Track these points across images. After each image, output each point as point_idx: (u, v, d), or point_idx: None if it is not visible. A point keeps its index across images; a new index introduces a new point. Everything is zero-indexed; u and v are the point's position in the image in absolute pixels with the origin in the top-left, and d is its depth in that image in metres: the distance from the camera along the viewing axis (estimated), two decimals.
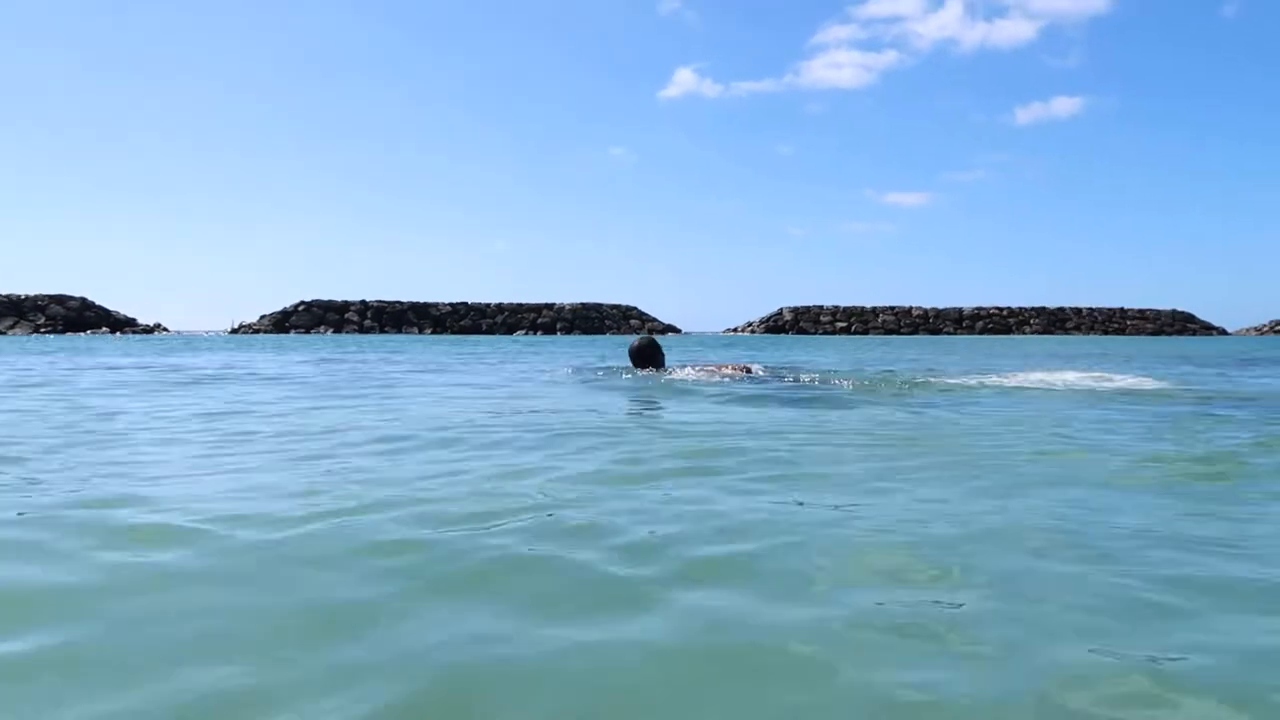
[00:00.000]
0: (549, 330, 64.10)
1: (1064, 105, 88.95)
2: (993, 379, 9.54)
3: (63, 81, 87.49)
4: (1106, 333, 72.68)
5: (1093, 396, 7.37)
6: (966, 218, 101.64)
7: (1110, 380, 9.22)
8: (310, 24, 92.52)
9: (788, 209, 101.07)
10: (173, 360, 15.21)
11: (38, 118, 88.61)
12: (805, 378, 9.37)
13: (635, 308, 70.13)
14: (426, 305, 64.90)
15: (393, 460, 3.80)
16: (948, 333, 70.56)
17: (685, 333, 68.19)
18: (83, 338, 42.72)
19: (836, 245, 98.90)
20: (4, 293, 55.03)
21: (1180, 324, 75.56)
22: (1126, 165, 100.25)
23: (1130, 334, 72.52)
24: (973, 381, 9.11)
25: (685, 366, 10.60)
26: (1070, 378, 9.61)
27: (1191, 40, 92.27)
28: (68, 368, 12.36)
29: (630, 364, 10.71)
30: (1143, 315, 75.62)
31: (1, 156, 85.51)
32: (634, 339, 11.10)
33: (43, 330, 52.97)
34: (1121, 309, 75.73)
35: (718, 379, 9.30)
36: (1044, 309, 74.35)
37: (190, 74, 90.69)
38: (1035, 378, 9.73)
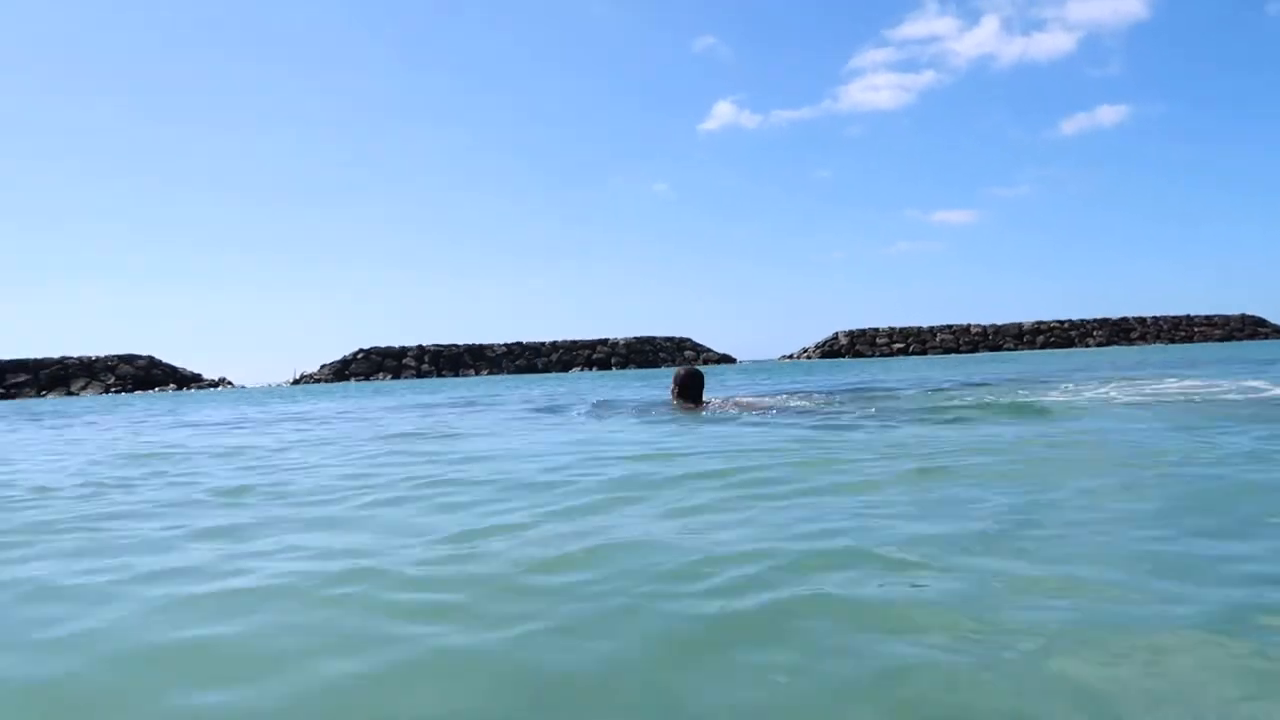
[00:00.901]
0: (604, 365, 64.03)
1: (1109, 114, 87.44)
2: (1112, 389, 9.09)
3: (125, 132, 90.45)
4: (1173, 341, 70.62)
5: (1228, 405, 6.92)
6: (1016, 232, 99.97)
7: (1219, 386, 8.75)
8: (360, 73, 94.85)
9: (832, 233, 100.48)
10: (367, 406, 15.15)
11: (92, 168, 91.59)
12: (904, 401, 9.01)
13: (689, 339, 69.80)
14: (482, 347, 65.28)
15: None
16: (1008, 349, 69.10)
17: (740, 361, 67.68)
18: (167, 394, 43.64)
19: (885, 266, 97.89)
20: (76, 355, 56.53)
21: (1251, 328, 73.13)
22: (1178, 170, 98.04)
23: (1198, 341, 70.34)
24: (1106, 391, 8.67)
25: (727, 399, 9.79)
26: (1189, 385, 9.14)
27: (1235, 40, 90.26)
28: (263, 418, 12.16)
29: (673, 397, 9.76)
30: (1210, 321, 73.34)
31: (68, 213, 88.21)
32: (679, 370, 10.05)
33: (113, 389, 54.22)
34: (1188, 316, 73.55)
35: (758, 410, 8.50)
36: (1106, 320, 72.49)
37: (248, 123, 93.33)
38: (1165, 388, 9.25)
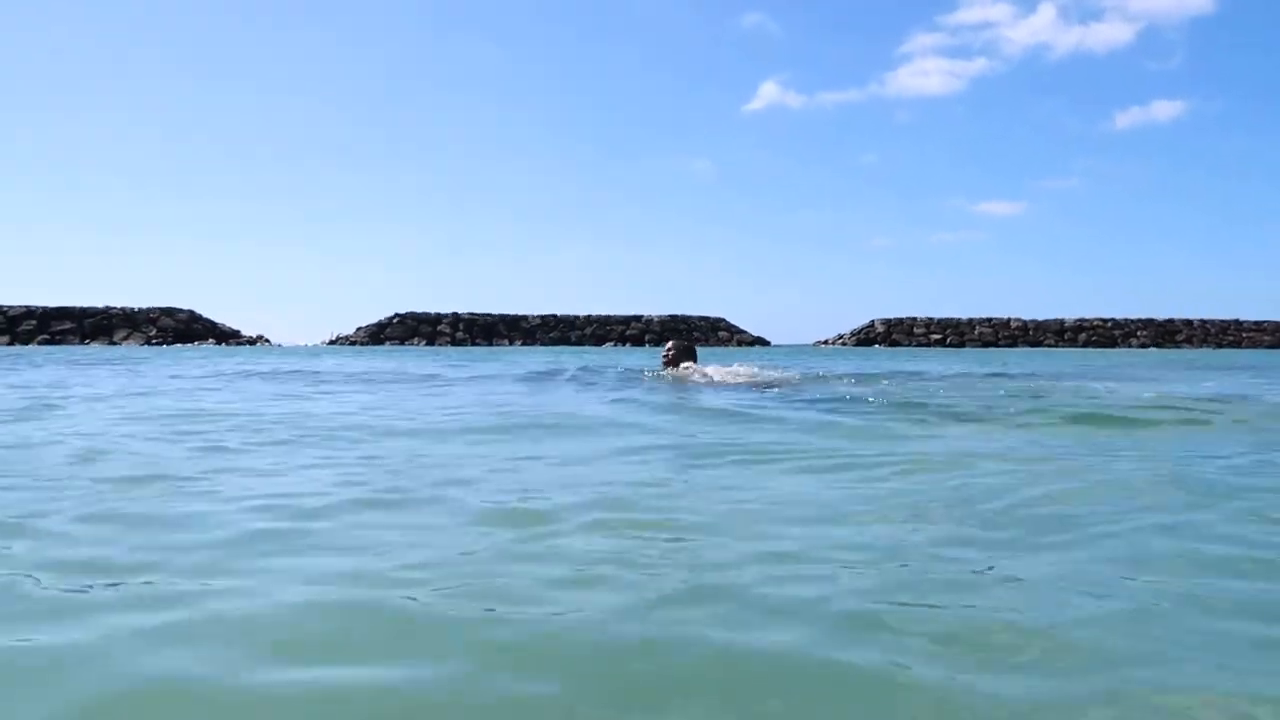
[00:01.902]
0: (637, 341, 63.95)
1: (1165, 109, 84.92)
2: (1181, 390, 8.80)
3: (179, 93, 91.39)
4: (1220, 345, 69.03)
5: None
6: (1064, 226, 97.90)
7: None
8: (403, 41, 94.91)
9: (875, 219, 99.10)
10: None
11: (149, 128, 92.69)
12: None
13: (723, 319, 69.45)
14: (517, 318, 65.44)
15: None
16: (1049, 345, 67.97)
17: (775, 345, 67.27)
18: (206, 348, 44.29)
19: (927, 256, 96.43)
20: (120, 305, 57.47)
21: None
22: (1234, 170, 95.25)
23: (1246, 346, 68.70)
24: (1152, 396, 8.37)
25: (707, 366, 11.40)
26: None
27: None
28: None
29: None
30: (1260, 327, 71.57)
31: (115, 168, 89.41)
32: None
33: (154, 341, 55.10)
34: (1236, 320, 71.83)
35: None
36: (1152, 320, 71.01)
37: (295, 88, 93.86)
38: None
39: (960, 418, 6.03)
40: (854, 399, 7.57)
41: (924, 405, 6.98)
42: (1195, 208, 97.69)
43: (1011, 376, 12.49)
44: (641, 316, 67.39)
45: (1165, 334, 70.13)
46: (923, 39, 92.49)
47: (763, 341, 68.09)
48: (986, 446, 4.67)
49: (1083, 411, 6.26)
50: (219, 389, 9.74)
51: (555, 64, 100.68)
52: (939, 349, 61.62)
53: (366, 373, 13.43)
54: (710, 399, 7.50)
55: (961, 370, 15.17)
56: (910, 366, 17.32)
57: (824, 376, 11.44)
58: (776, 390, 8.70)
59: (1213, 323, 71.52)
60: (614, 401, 7.66)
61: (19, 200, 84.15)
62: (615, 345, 62.74)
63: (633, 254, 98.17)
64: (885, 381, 10.33)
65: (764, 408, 6.72)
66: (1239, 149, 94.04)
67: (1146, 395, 8.26)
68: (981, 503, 3.05)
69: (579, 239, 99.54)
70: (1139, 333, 69.96)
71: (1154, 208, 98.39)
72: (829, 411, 6.46)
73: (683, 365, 11.44)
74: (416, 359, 23.03)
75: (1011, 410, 6.53)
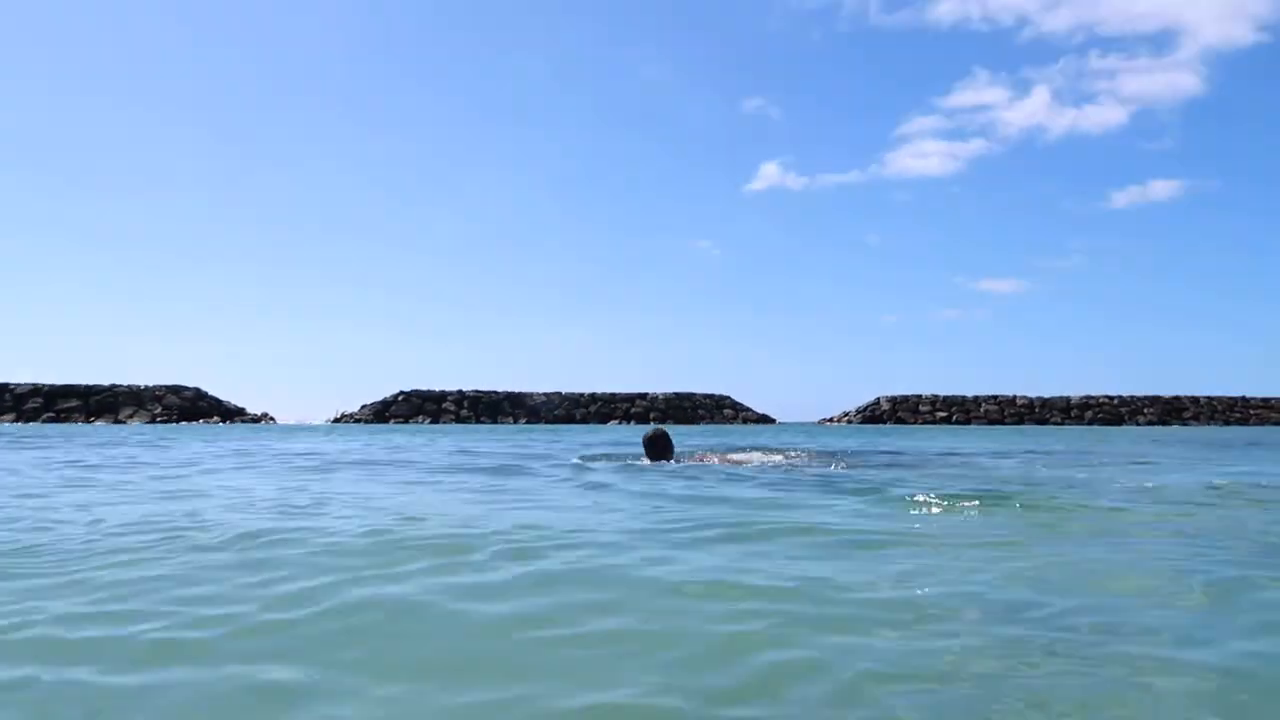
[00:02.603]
0: (642, 419, 63.75)
1: (1162, 188, 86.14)
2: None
3: (188, 173, 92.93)
4: (1228, 423, 68.66)
5: None
6: (1065, 304, 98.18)
7: None
8: (405, 123, 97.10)
9: (878, 297, 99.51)
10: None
11: (154, 206, 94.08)
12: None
13: (728, 397, 69.40)
14: (521, 395, 65.47)
15: None
16: (1055, 423, 67.66)
17: (781, 422, 67.03)
18: (212, 426, 44.20)
19: (930, 333, 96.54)
20: (126, 383, 57.66)
21: None
22: (1233, 247, 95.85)
23: (1254, 424, 68.33)
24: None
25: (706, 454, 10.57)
26: None
27: None
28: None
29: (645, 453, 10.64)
30: (1267, 404, 71.29)
31: (122, 246, 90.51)
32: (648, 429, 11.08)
33: (159, 419, 55.08)
34: (1244, 397, 71.57)
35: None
36: (1158, 398, 70.78)
37: (301, 170, 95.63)
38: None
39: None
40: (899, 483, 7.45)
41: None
42: (1196, 285, 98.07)
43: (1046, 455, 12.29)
44: (647, 394, 67.39)
45: (1172, 411, 69.82)
46: (921, 121, 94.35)
47: (768, 419, 67.86)
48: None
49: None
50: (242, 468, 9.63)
51: (560, 145, 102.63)
52: (945, 426, 61.38)
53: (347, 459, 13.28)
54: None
55: (997, 449, 15.00)
56: (939, 445, 17.15)
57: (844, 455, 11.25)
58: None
59: (1219, 400, 71.27)
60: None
61: (27, 279, 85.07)
62: (620, 423, 62.57)
63: (638, 332, 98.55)
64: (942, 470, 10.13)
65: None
66: (1236, 227, 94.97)
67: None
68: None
69: (584, 317, 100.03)
70: (1145, 410, 69.67)
71: (1155, 285, 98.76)
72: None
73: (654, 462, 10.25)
74: (427, 436, 22.92)
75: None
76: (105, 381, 57.64)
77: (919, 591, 3.05)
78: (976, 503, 5.66)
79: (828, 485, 7.13)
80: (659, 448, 10.38)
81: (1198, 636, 2.49)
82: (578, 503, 6.09)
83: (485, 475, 8.71)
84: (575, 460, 11.08)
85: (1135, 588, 3.16)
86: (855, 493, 6.41)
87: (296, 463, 10.81)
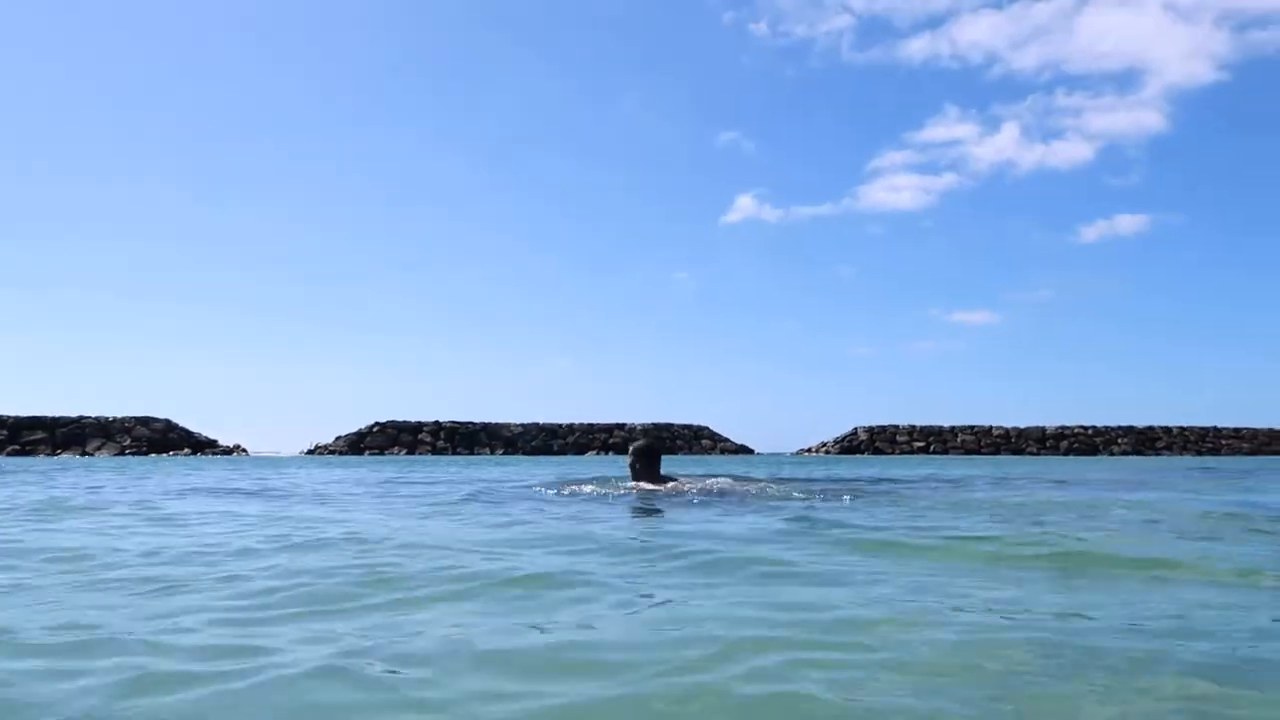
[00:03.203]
0: (620, 450, 63.35)
1: (1128, 223, 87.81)
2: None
3: (170, 208, 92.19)
4: (1200, 453, 69.38)
5: None
6: (1038, 336, 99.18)
7: None
8: (380, 157, 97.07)
9: (853, 329, 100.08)
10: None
11: (129, 239, 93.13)
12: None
13: (707, 427, 69.25)
14: (498, 426, 64.94)
15: None
16: (1030, 453, 68.08)
17: (758, 453, 66.93)
18: (180, 458, 43.35)
19: (905, 364, 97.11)
20: (94, 414, 56.58)
21: (1279, 443, 71.87)
22: (1200, 279, 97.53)
23: (1226, 454, 69.08)
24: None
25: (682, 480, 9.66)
26: None
27: (1252, 158, 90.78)
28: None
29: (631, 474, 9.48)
30: (1238, 434, 72.18)
31: (87, 274, 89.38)
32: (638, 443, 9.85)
33: (127, 451, 54.04)
34: (1215, 427, 72.43)
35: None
36: (1132, 428, 71.48)
37: (269, 203, 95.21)
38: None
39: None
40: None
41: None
42: (1166, 317, 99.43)
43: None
44: (625, 425, 67.09)
45: (1145, 441, 70.48)
46: (893, 155, 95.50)
47: (746, 450, 67.75)
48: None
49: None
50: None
51: (534, 178, 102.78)
52: (921, 456, 61.54)
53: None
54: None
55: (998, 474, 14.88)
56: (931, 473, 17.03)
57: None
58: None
59: (1191, 430, 72.04)
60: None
61: None
62: (598, 454, 62.20)
63: (616, 363, 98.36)
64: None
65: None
66: (1203, 260, 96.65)
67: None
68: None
69: (561, 348, 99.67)
70: (1120, 440, 70.29)
71: (1126, 316, 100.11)
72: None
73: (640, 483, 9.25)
74: (396, 468, 22.54)
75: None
76: (72, 413, 56.57)
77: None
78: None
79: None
80: (648, 462, 9.20)
81: None
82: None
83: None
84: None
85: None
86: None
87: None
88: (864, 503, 8.27)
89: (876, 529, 5.90)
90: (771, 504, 7.91)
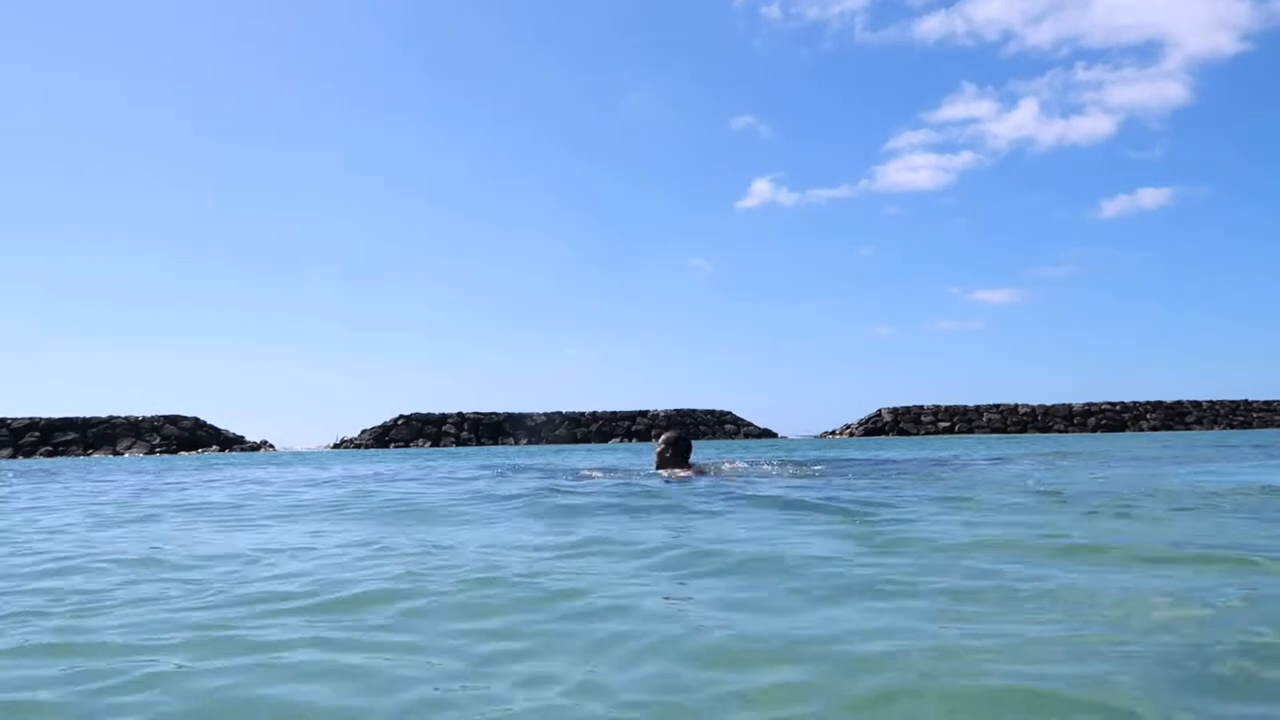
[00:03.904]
0: (644, 437, 63.47)
1: (1151, 196, 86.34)
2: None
3: (192, 211, 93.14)
4: (1231, 426, 68.48)
5: None
6: (1061, 313, 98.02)
7: None
8: (396, 154, 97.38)
9: (874, 310, 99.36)
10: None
11: (158, 243, 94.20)
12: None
13: (730, 412, 69.14)
14: (522, 415, 65.20)
15: None
16: (1058, 430, 67.41)
17: (782, 436, 66.77)
18: (209, 455, 43.91)
19: (927, 344, 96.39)
20: (124, 414, 57.36)
21: None
22: (1227, 252, 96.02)
23: (1257, 427, 68.14)
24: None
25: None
26: None
27: (1277, 129, 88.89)
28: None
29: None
30: (1269, 406, 71.15)
31: (115, 276, 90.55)
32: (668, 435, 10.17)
33: (157, 450, 54.78)
34: (1246, 401, 71.42)
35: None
36: (1160, 403, 70.61)
37: (289, 203, 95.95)
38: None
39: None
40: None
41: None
42: (1192, 291, 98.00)
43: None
44: (647, 411, 67.15)
45: (1175, 416, 69.64)
46: (909, 136, 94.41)
47: (770, 434, 67.61)
48: None
49: None
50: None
51: (550, 170, 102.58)
52: (947, 436, 61.10)
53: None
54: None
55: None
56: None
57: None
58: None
59: (1222, 403, 71.09)
60: None
61: (21, 313, 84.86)
62: (621, 440, 62.31)
63: (637, 350, 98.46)
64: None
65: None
66: (1227, 231, 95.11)
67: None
68: None
69: (583, 337, 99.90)
70: (1148, 415, 69.48)
71: (1151, 291, 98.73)
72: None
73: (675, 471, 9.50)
74: (422, 459, 22.66)
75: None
76: (103, 413, 57.39)
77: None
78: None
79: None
80: (679, 451, 9.57)
81: None
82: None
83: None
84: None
85: None
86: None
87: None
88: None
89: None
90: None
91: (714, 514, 5.81)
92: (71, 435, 55.19)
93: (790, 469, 10.52)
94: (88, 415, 56.86)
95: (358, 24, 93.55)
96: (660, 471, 9.66)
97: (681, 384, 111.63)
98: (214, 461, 28.48)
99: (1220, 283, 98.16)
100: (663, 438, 10.14)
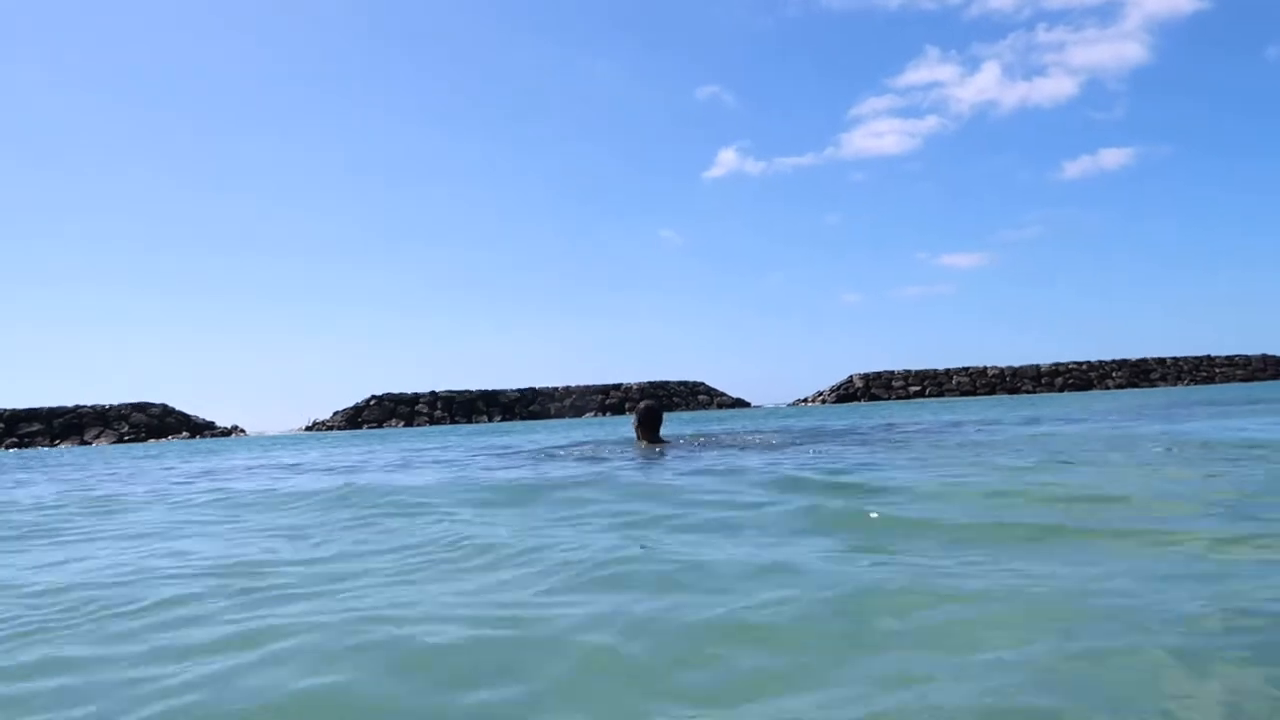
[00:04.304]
0: (617, 410, 63.63)
1: (1113, 156, 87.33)
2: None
3: (153, 195, 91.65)
4: (1194, 382, 69.82)
5: None
6: (1027, 274, 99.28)
7: None
8: (358, 133, 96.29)
9: (842, 277, 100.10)
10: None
11: (119, 228, 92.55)
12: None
13: (703, 383, 69.42)
14: (495, 393, 65.05)
15: None
16: (1026, 391, 68.44)
17: (755, 405, 67.21)
18: (178, 442, 43.41)
19: (896, 310, 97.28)
20: (90, 403, 56.53)
21: (1273, 369, 72.36)
22: (1189, 210, 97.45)
23: (1220, 382, 69.50)
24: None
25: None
26: None
27: (1236, 85, 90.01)
28: None
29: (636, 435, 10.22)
30: (1231, 361, 72.59)
31: (79, 262, 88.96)
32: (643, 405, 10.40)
33: (126, 439, 54.11)
34: (1209, 356, 72.81)
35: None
36: (1126, 361, 71.81)
37: (261, 186, 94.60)
38: None
39: None
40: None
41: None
42: (1155, 249, 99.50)
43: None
44: (621, 385, 67.24)
45: (1140, 374, 70.85)
46: (874, 101, 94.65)
47: (743, 403, 68.04)
48: None
49: None
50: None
51: (516, 145, 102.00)
52: (918, 400, 61.77)
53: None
54: None
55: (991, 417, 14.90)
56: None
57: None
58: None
59: (1185, 360, 72.41)
60: None
61: None
62: (595, 415, 62.41)
63: (609, 324, 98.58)
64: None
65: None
66: (1190, 191, 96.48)
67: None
68: None
69: (553, 312, 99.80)
70: (1114, 374, 70.63)
71: (1116, 251, 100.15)
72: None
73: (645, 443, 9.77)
74: (389, 441, 22.47)
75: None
76: (69, 403, 56.53)
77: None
78: None
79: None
80: (652, 423, 9.87)
81: None
82: None
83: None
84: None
85: None
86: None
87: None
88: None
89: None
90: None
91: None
92: (37, 426, 54.33)
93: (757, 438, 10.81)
94: (53, 405, 55.99)
95: (328, 7, 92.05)
96: (640, 443, 9.89)
97: (654, 356, 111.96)
98: (197, 450, 28.13)
99: (1182, 239, 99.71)
100: (635, 410, 10.42)
